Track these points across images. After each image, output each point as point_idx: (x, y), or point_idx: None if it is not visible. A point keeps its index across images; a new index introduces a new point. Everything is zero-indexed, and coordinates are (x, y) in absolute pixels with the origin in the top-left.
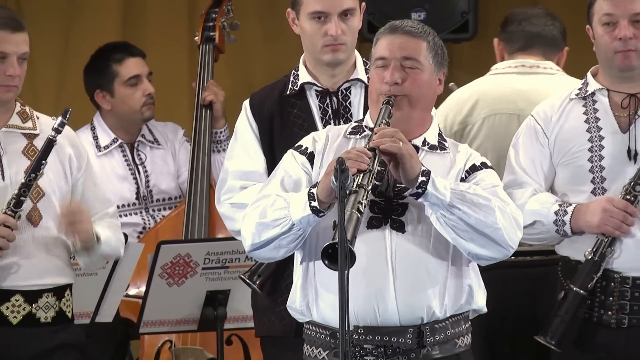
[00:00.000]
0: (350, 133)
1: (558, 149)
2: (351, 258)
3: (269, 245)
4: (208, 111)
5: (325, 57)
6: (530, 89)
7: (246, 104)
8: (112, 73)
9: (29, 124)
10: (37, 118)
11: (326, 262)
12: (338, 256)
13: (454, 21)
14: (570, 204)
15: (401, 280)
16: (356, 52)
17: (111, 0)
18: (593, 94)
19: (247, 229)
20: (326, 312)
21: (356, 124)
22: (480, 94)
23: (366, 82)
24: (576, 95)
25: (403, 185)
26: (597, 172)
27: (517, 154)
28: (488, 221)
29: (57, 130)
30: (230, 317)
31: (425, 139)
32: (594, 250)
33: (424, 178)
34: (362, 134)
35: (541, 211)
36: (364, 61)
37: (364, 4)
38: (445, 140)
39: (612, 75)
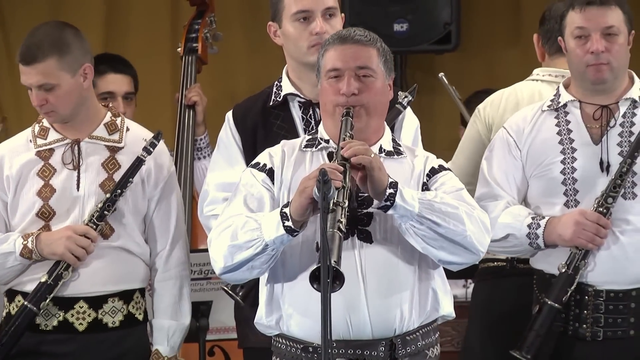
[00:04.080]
0: (306, 146)
1: (531, 161)
2: (339, 278)
3: (242, 267)
4: (191, 123)
5: (312, 59)
6: None
7: (229, 115)
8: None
9: (115, 136)
10: (127, 130)
11: (315, 285)
12: (321, 274)
13: (437, 32)
14: (543, 217)
15: (372, 291)
16: None
17: (93, 11)
18: (565, 105)
19: (218, 251)
20: (298, 328)
21: (310, 136)
22: (520, 100)
23: None
24: (548, 107)
25: (366, 195)
26: (569, 184)
27: (490, 167)
28: (457, 229)
29: (148, 151)
30: (213, 328)
31: (381, 145)
32: (568, 263)
33: (391, 190)
34: (319, 147)
35: (514, 224)
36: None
37: (343, 14)
38: (400, 145)
39: (584, 88)
